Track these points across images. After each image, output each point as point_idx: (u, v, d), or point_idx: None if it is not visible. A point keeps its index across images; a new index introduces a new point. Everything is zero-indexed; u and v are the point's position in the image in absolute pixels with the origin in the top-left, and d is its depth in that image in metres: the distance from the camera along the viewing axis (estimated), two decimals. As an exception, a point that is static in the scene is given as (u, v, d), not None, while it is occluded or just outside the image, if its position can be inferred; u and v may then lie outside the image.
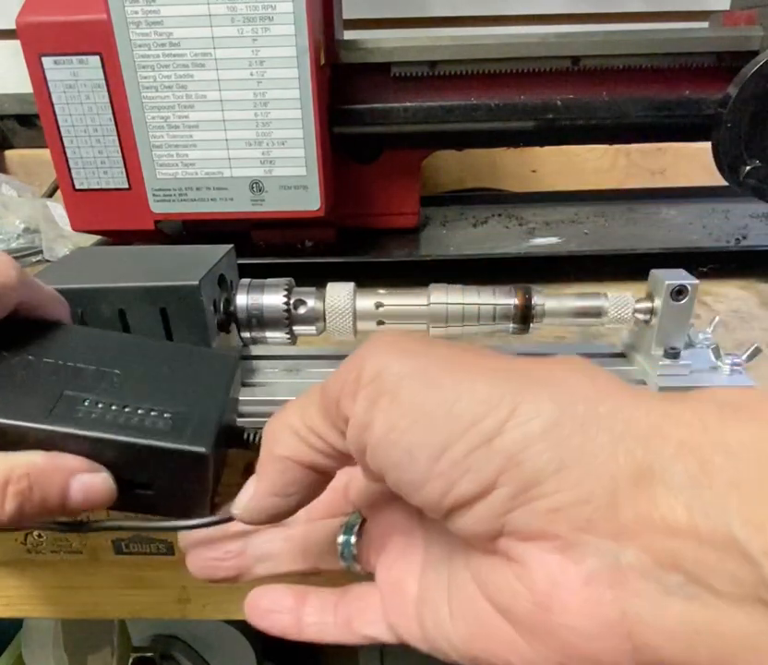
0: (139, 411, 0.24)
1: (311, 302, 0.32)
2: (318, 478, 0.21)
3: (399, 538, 0.23)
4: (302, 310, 0.32)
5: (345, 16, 0.51)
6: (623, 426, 0.16)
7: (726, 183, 0.45)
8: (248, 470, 0.24)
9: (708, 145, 0.44)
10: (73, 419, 0.23)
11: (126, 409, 0.24)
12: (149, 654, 0.58)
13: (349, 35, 0.50)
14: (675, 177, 0.71)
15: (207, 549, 0.26)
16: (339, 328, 0.32)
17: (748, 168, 0.43)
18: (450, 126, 0.46)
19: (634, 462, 0.16)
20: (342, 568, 0.25)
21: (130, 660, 0.58)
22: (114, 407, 0.24)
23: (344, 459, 0.20)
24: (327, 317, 0.32)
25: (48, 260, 0.53)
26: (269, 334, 0.32)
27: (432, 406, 0.17)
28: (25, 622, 0.65)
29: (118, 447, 0.23)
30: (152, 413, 0.24)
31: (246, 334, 0.33)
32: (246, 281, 0.33)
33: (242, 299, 0.32)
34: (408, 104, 0.45)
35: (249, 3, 0.38)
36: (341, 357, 0.36)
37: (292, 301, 0.32)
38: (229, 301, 0.32)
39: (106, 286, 0.29)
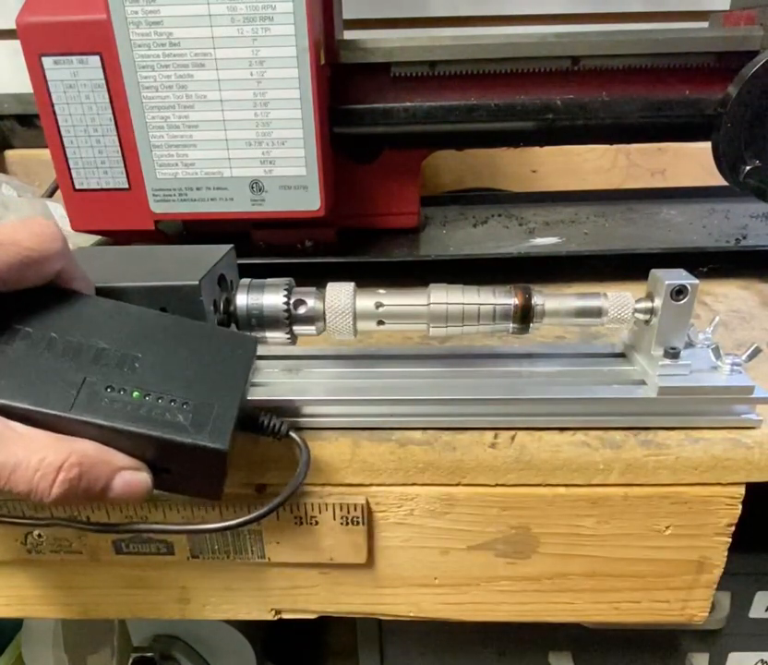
0: (160, 401, 0.24)
1: (311, 302, 0.32)
2: None
3: None
4: (302, 310, 0.32)
5: (345, 16, 0.51)
6: None
7: (726, 183, 0.45)
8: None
9: (708, 145, 0.44)
10: (97, 409, 0.24)
11: (148, 398, 0.24)
12: (149, 654, 0.57)
13: (349, 35, 0.50)
14: (675, 177, 0.71)
15: None
16: (339, 328, 0.32)
17: (748, 168, 0.43)
18: (450, 127, 0.46)
19: None
20: None
21: (130, 660, 0.57)
22: (135, 395, 0.24)
23: None
24: (327, 317, 0.32)
25: (48, 260, 0.53)
26: (269, 334, 0.32)
27: None
28: (25, 623, 0.65)
29: (141, 439, 0.24)
30: (173, 403, 0.24)
31: (247, 334, 0.33)
32: (246, 281, 0.33)
33: (242, 299, 0.32)
34: (408, 104, 0.45)
35: (249, 3, 0.38)
36: (341, 357, 0.36)
37: (292, 301, 0.32)
38: (229, 301, 0.32)
39: (107, 286, 0.29)
